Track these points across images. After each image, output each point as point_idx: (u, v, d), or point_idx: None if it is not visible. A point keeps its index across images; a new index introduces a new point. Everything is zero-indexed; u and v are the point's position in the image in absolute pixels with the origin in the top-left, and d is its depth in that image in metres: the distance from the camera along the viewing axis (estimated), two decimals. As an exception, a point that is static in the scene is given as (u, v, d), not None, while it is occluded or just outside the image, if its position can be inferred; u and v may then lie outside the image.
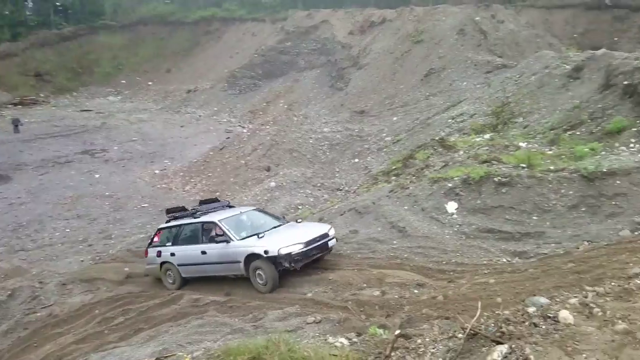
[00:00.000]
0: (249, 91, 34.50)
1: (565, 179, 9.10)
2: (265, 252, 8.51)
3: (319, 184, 18.42)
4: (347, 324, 6.55)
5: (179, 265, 9.88)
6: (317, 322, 6.88)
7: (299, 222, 10.08)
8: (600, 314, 2.90)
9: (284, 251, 8.47)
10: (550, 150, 11.63)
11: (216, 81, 37.71)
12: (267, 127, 25.59)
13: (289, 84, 32.13)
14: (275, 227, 9.46)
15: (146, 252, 10.60)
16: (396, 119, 23.21)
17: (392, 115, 23.77)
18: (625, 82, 11.85)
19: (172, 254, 9.92)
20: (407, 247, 9.07)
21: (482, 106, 17.96)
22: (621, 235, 7.33)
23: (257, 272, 8.72)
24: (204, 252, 9.44)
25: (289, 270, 8.68)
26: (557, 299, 3.27)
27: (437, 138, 14.23)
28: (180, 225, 10.20)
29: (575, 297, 3.27)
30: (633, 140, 10.05)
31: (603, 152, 10.00)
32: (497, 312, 3.46)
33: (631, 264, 5.69)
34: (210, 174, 21.12)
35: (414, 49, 27.58)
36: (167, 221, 10.65)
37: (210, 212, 10.27)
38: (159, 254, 10.19)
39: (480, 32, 26.56)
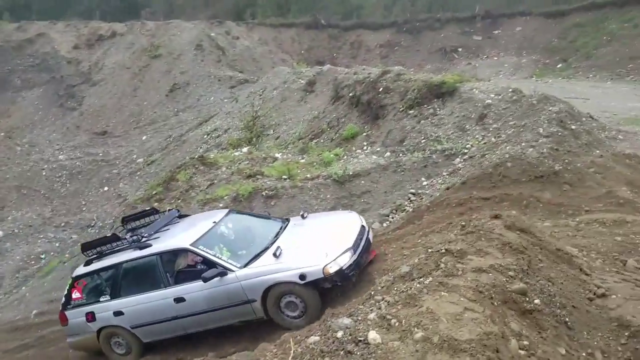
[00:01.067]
0: (-52, 121, 27.38)
1: (322, 185, 10.03)
2: (302, 277, 5.68)
3: (62, 224, 15.89)
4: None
5: (134, 327, 6.52)
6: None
7: (306, 217, 7.12)
8: (397, 324, 3.18)
9: (333, 268, 5.70)
10: (302, 158, 12.70)
11: None
12: (-19, 162, 20.77)
13: (4, 108, 26.69)
14: (279, 233, 6.64)
15: (63, 318, 6.88)
16: (146, 138, 21.86)
17: (140, 134, 22.28)
18: (350, 94, 13.86)
19: (118, 313, 6.52)
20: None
21: (234, 120, 18.46)
22: (374, 228, 8.50)
23: (285, 301, 5.83)
24: (179, 300, 6.16)
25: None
26: (358, 317, 3.45)
27: (196, 156, 13.92)
28: (118, 265, 6.60)
29: (372, 310, 3.50)
30: (365, 143, 11.79)
31: (345, 157, 11.44)
32: (308, 342, 3.46)
33: (389, 255, 6.67)
34: None
35: (153, 64, 26.48)
36: (88, 262, 6.95)
37: (161, 232, 6.88)
38: (90, 317, 6.67)
39: (217, 48, 27.32)
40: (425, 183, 9.07)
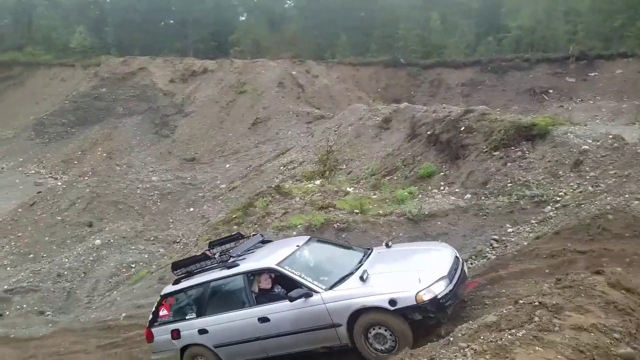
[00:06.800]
0: (60, 139, 30.95)
1: (395, 222, 9.78)
2: (392, 302, 5.25)
3: (152, 238, 16.91)
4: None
5: (217, 346, 6.44)
6: None
7: (391, 246, 6.77)
8: (485, 376, 2.92)
9: (426, 296, 5.23)
10: (374, 194, 12.53)
11: (20, 129, 33.21)
12: (86, 178, 22.95)
13: (107, 131, 29.56)
14: (363, 260, 6.37)
15: (149, 335, 7.00)
16: (229, 166, 23.01)
17: (224, 163, 23.52)
18: (428, 133, 13.54)
19: (203, 332, 6.49)
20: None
21: (309, 154, 18.92)
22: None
23: (374, 332, 5.44)
24: (263, 320, 6.03)
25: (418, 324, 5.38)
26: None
27: (273, 185, 14.30)
28: (205, 284, 6.65)
29: (456, 356, 3.28)
30: (442, 183, 11.38)
31: (420, 195, 11.11)
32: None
33: (468, 301, 6.26)
34: (20, 234, 17.75)
35: (238, 99, 28.15)
36: (176, 281, 7.08)
37: (247, 254, 6.90)
38: (175, 334, 6.71)
39: (298, 86, 28.51)
40: (510, 230, 8.48)
